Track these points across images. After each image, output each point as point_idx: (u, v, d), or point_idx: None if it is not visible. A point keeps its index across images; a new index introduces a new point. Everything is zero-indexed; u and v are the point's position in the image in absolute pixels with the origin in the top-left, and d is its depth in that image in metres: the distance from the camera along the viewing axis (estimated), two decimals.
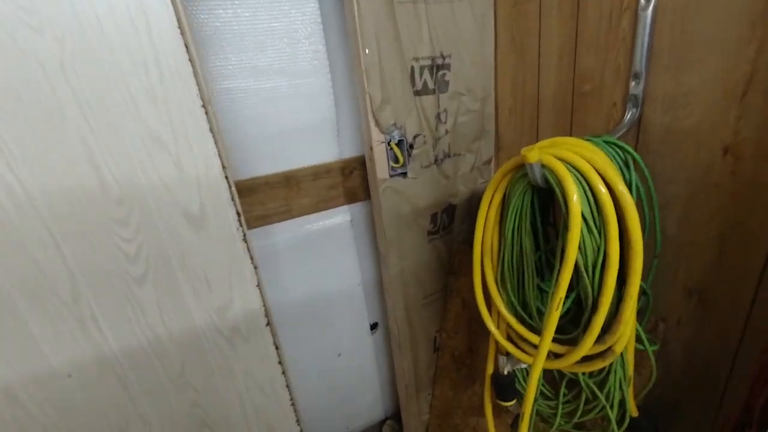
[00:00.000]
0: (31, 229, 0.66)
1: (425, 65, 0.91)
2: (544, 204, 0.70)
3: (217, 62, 0.86)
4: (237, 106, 0.91)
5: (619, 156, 0.64)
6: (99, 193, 0.69)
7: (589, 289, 0.59)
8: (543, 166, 0.59)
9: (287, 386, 0.98)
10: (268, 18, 0.87)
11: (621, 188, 0.55)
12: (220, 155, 0.75)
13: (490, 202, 0.71)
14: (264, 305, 0.88)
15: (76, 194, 0.67)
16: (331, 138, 1.03)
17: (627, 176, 0.63)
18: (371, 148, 0.91)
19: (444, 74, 0.94)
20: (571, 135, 0.81)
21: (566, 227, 0.56)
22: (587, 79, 0.74)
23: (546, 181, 0.60)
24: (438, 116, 0.97)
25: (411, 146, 0.93)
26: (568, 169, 0.56)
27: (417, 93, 0.92)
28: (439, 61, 0.92)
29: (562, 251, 0.58)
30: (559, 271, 0.58)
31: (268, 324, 0.91)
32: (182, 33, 0.66)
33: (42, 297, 0.69)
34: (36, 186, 0.64)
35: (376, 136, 0.89)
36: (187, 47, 0.67)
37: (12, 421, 0.72)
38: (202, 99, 0.71)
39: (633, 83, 0.66)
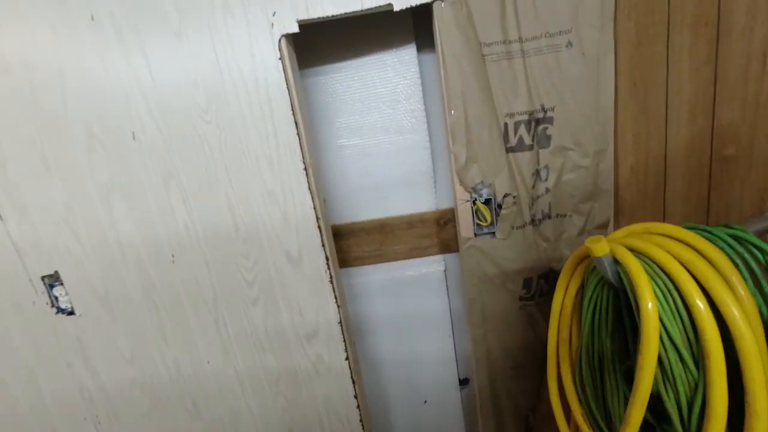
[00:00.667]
0: (195, 253, 0.92)
1: (521, 120, 0.84)
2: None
3: (331, 124, 1.01)
4: (345, 160, 1.05)
5: (758, 259, 0.46)
6: (233, 232, 0.91)
7: None
8: (616, 261, 0.48)
9: (361, 421, 1.04)
10: (374, 85, 0.98)
11: (731, 311, 0.40)
12: (315, 208, 0.89)
13: (566, 290, 0.61)
14: (344, 340, 0.97)
15: (220, 231, 0.91)
16: (427, 190, 1.07)
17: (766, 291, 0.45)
18: (456, 206, 0.89)
19: (545, 128, 0.85)
20: (708, 209, 0.62)
21: (638, 346, 0.44)
22: (730, 139, 0.56)
23: (621, 279, 0.48)
24: (537, 173, 0.88)
25: (499, 206, 0.87)
26: (645, 268, 0.44)
27: (511, 150, 0.86)
28: (539, 115, 0.84)
29: (635, 373, 0.45)
30: (627, 401, 0.45)
31: (347, 359, 0.99)
32: (294, 114, 0.83)
33: (197, 301, 0.95)
34: (199, 222, 0.90)
35: (461, 194, 0.88)
36: (296, 124, 0.84)
37: (169, 385, 1.00)
38: (305, 163, 0.86)
39: None
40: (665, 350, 0.43)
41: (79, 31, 0.74)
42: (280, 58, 0.79)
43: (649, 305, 0.43)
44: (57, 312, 0.93)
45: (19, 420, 1.00)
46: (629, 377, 0.58)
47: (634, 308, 0.45)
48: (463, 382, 1.24)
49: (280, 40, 0.78)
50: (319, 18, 0.77)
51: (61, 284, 0.91)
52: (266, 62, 0.79)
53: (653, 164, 0.72)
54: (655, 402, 0.48)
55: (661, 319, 0.42)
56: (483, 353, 0.99)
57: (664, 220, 0.71)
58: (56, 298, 0.92)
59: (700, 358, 0.42)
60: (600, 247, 0.48)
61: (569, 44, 0.79)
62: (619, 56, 0.77)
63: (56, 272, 0.90)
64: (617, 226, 0.88)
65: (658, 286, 0.44)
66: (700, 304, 0.41)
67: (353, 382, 1.01)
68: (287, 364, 1.00)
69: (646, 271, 0.44)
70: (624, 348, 0.57)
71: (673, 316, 0.43)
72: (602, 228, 0.90)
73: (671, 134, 0.66)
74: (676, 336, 0.43)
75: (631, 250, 0.47)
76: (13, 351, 0.95)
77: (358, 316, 1.16)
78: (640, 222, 0.68)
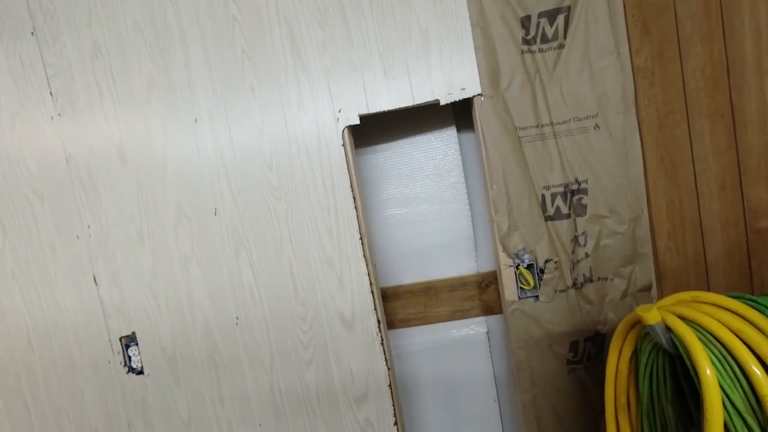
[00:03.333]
0: (258, 316, 0.99)
1: (557, 192, 0.93)
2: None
3: (380, 196, 1.13)
4: (392, 228, 1.14)
5: None
6: (293, 295, 0.99)
7: None
8: (668, 328, 0.52)
9: None
10: (419, 162, 1.11)
11: None
12: (369, 274, 0.96)
13: (619, 354, 0.64)
14: (393, 404, 0.99)
15: (281, 294, 0.99)
16: (468, 254, 1.13)
17: None
18: (500, 271, 0.95)
19: (581, 198, 0.93)
20: (751, 276, 0.66)
21: (702, 413, 0.47)
22: (762, 214, 0.62)
23: (675, 346, 0.52)
24: (575, 239, 0.94)
25: (541, 270, 0.93)
26: (698, 336, 0.48)
27: (549, 218, 0.93)
28: (574, 187, 0.92)
29: None
30: None
31: (396, 423, 1.00)
32: (352, 189, 0.94)
33: (254, 362, 1.00)
34: (263, 286, 0.98)
35: (504, 260, 0.94)
36: (354, 199, 0.95)
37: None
38: (360, 233, 0.96)
39: None
40: (730, 417, 0.46)
41: (183, 128, 0.90)
42: (342, 145, 0.92)
43: (708, 371, 0.46)
44: (128, 371, 1.00)
45: None
46: None
47: (693, 375, 0.49)
48: None
49: (343, 131, 0.92)
50: (377, 112, 0.91)
51: (136, 344, 0.99)
52: (331, 148, 0.92)
53: (690, 232, 0.78)
54: None
55: (721, 386, 0.45)
56: (533, 420, 0.98)
57: (708, 285, 0.75)
58: (130, 357, 1.00)
59: (765, 424, 0.44)
60: (652, 315, 0.52)
61: (596, 126, 0.89)
62: (644, 136, 0.86)
63: (133, 333, 0.99)
64: (661, 289, 0.91)
65: (714, 354, 0.48)
66: (757, 371, 0.45)
67: None
68: (337, 428, 1.01)
69: (700, 339, 0.49)
70: (687, 415, 0.59)
71: (733, 383, 0.46)
72: (645, 291, 0.93)
73: (704, 206, 0.72)
74: (738, 402, 0.46)
75: (682, 318, 0.52)
76: (84, 410, 1.01)
77: (403, 377, 1.17)
78: (684, 287, 0.73)
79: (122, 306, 0.97)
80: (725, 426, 0.44)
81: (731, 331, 0.48)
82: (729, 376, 0.47)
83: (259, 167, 0.93)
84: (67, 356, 0.99)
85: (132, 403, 1.01)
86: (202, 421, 1.01)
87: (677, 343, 0.51)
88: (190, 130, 0.91)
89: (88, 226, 0.93)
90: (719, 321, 0.49)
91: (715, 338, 0.48)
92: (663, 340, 0.52)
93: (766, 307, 0.51)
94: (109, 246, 0.94)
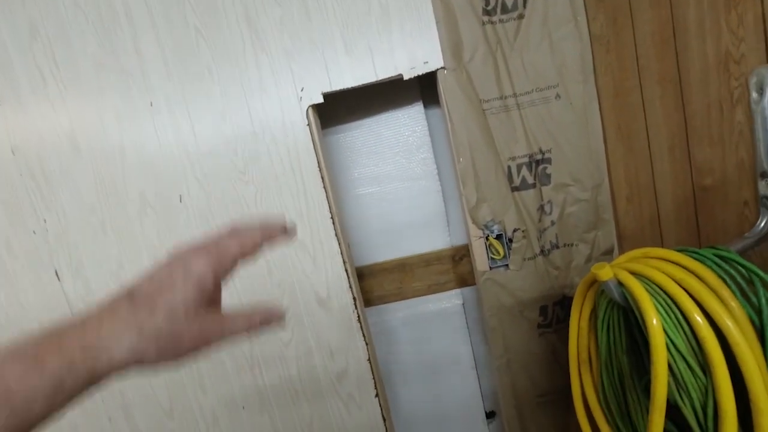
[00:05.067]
0: (232, 302, 0.98)
1: (523, 162, 0.95)
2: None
3: (351, 175, 1.12)
4: (363, 207, 1.14)
5: (742, 274, 0.53)
6: (267, 278, 0.99)
7: None
8: (620, 283, 0.55)
9: None
10: (387, 138, 1.10)
11: (726, 322, 0.47)
12: (342, 254, 0.97)
13: (580, 313, 0.67)
14: (374, 377, 1.01)
15: (256, 279, 0.98)
16: (441, 229, 1.15)
17: (755, 302, 0.52)
18: (470, 243, 0.98)
19: (545, 167, 0.95)
20: (698, 232, 0.70)
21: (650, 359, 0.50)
22: (706, 172, 0.65)
23: (627, 300, 0.55)
24: (542, 208, 0.96)
25: (510, 240, 0.96)
26: (646, 288, 0.52)
27: (516, 188, 0.96)
28: (538, 157, 0.95)
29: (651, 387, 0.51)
30: (648, 410, 0.51)
31: (377, 396, 1.02)
32: (320, 171, 0.94)
33: (233, 346, 1.00)
34: (236, 274, 0.97)
35: (474, 232, 0.96)
36: (323, 179, 0.94)
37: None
38: (331, 213, 0.95)
39: (762, 182, 0.56)
40: (674, 360, 0.49)
41: (139, 114, 0.87)
42: (307, 125, 0.91)
43: (654, 321, 0.49)
44: None
45: None
46: (649, 390, 0.63)
47: (641, 325, 0.52)
48: (490, 415, 1.25)
49: (307, 110, 0.90)
50: (340, 89, 0.90)
51: None
52: (296, 128, 0.91)
53: (645, 195, 0.81)
54: (675, 413, 0.53)
55: (666, 332, 0.49)
56: (508, 383, 1.02)
57: (662, 244, 0.79)
58: None
59: (705, 366, 0.48)
60: (605, 272, 0.55)
61: (558, 96, 0.91)
62: (603, 105, 0.89)
63: None
64: (622, 251, 0.96)
65: (660, 303, 0.51)
66: (698, 318, 0.48)
67: (384, 419, 1.04)
68: (319, 405, 1.03)
69: (648, 291, 0.52)
70: (641, 363, 0.63)
71: (676, 329, 0.50)
72: (608, 254, 0.97)
73: (656, 169, 0.76)
74: (681, 346, 0.49)
75: (633, 273, 0.55)
76: None
77: (383, 352, 1.20)
78: (641, 246, 0.76)
79: (88, 298, 0.94)
80: (669, 367, 0.48)
81: (675, 281, 0.51)
82: (673, 323, 0.50)
83: (224, 152, 0.91)
84: None
85: (110, 397, 1.00)
86: (184, 410, 1.01)
87: (628, 296, 0.54)
88: (147, 115, 0.87)
89: (44, 220, 0.89)
90: (665, 273, 0.52)
91: (661, 289, 0.51)
92: (616, 294, 0.55)
93: (707, 258, 0.54)
94: (69, 238, 0.91)
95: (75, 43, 0.84)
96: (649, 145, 0.75)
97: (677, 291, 0.50)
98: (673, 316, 0.50)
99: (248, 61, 0.88)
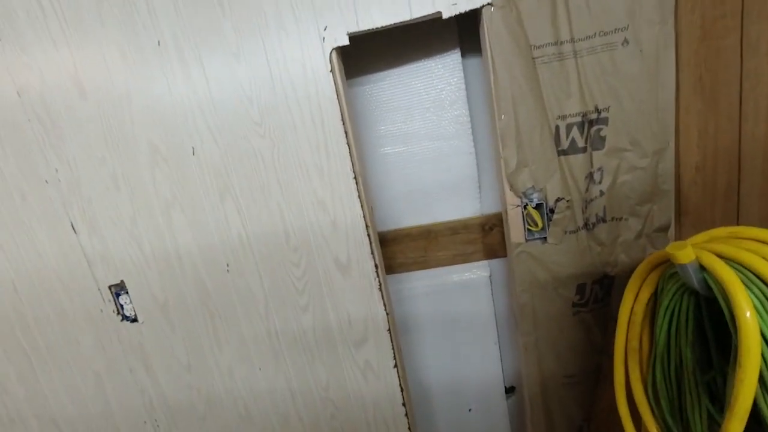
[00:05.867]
0: (248, 262, 0.94)
1: (574, 122, 0.82)
2: (720, 309, 0.53)
3: (376, 132, 1.02)
4: (390, 167, 1.05)
5: None
6: (284, 240, 0.93)
7: None
8: (702, 268, 0.46)
9: (409, 428, 1.03)
10: (418, 92, 0.99)
11: None
12: (364, 217, 0.90)
13: (636, 296, 0.58)
14: (393, 347, 0.97)
15: (272, 240, 0.93)
16: (472, 195, 1.06)
17: None
18: (506, 212, 0.88)
19: (600, 129, 0.83)
20: None
21: (736, 360, 0.42)
22: None
23: (708, 287, 0.46)
24: (590, 176, 0.85)
25: (551, 210, 0.85)
26: (738, 273, 0.42)
27: (563, 152, 0.84)
28: (593, 116, 0.82)
29: (732, 392, 0.43)
30: (710, 414, 0.43)
31: (395, 366, 0.99)
32: (344, 124, 0.84)
33: (249, 309, 0.98)
34: (252, 232, 0.92)
35: (511, 199, 0.87)
36: (346, 134, 0.85)
37: (223, 390, 1.03)
38: (354, 172, 0.87)
39: None
40: (765, 363, 0.41)
41: (146, 54, 0.78)
42: (330, 71, 0.80)
43: (747, 314, 0.40)
44: (122, 319, 0.98)
45: (88, 421, 1.06)
46: (711, 390, 0.55)
47: (728, 318, 0.43)
48: (509, 390, 1.21)
49: (330, 53, 0.79)
50: (369, 29, 0.78)
51: (126, 293, 0.96)
52: (317, 75, 0.81)
53: (724, 162, 0.69)
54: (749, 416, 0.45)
55: (762, 333, 0.40)
56: (534, 361, 0.96)
57: (737, 221, 0.67)
58: (122, 306, 0.97)
59: None
60: (685, 254, 0.46)
61: (625, 42, 0.76)
62: (681, 51, 0.74)
63: (122, 281, 0.95)
64: (679, 229, 0.84)
65: (755, 295, 0.41)
66: None
67: (401, 390, 1.01)
68: (336, 371, 1.01)
69: (740, 279, 0.42)
70: (706, 359, 0.54)
71: None
72: (662, 231, 0.86)
73: (746, 130, 0.63)
74: None
75: (720, 256, 0.45)
76: (83, 356, 1.01)
77: (403, 321, 1.16)
78: (707, 225, 0.65)
79: (106, 254, 0.92)
80: (760, 375, 0.39)
81: None
82: None
83: (238, 100, 0.83)
84: (58, 305, 0.97)
85: (130, 349, 1.00)
86: (201, 366, 1.01)
87: (712, 283, 0.44)
88: (154, 56, 0.79)
89: (56, 170, 0.85)
90: (765, 258, 0.42)
91: (758, 277, 0.42)
92: (694, 280, 0.46)
93: None
94: (82, 191, 0.87)
95: None
96: (740, 101, 0.62)
97: None
98: (766, 306, 0.41)
99: None
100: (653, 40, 0.75)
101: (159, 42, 0.78)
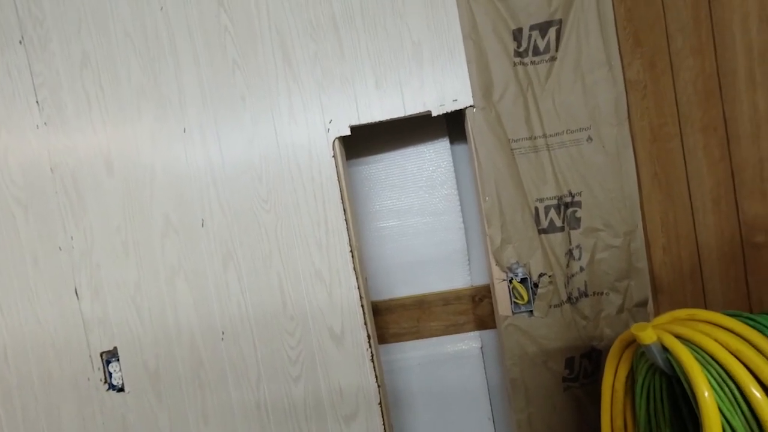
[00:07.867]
0: (244, 330, 0.96)
1: (551, 204, 0.91)
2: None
3: (372, 207, 1.11)
4: (384, 240, 1.12)
5: None
6: (281, 309, 0.96)
7: None
8: (665, 348, 0.50)
9: None
10: (411, 172, 1.09)
11: None
12: (359, 288, 0.94)
13: (615, 374, 0.62)
14: (384, 423, 0.95)
15: (269, 308, 0.96)
16: (462, 267, 1.11)
17: None
18: (493, 285, 0.93)
19: (575, 211, 0.92)
20: (748, 293, 0.64)
21: None
22: (758, 229, 0.60)
23: (672, 367, 0.50)
24: (570, 253, 0.92)
25: (535, 285, 0.91)
26: (695, 356, 0.46)
27: (543, 231, 0.92)
28: (568, 200, 0.91)
29: None
30: None
31: None
32: (342, 201, 0.93)
33: (240, 379, 0.97)
34: (250, 300, 0.96)
35: (497, 274, 0.92)
36: (345, 212, 0.93)
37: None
38: (351, 246, 0.93)
39: None
40: None
41: (173, 139, 0.89)
42: (333, 156, 0.91)
43: (706, 394, 0.44)
44: (108, 389, 0.96)
45: None
46: None
47: (690, 397, 0.47)
48: None
49: (334, 142, 0.91)
50: (368, 123, 0.90)
51: (117, 360, 0.96)
52: (321, 160, 0.91)
53: (685, 247, 0.76)
54: None
55: (720, 410, 0.43)
56: None
57: (705, 302, 0.73)
58: (110, 374, 0.96)
59: None
60: (647, 334, 0.50)
61: (590, 139, 0.89)
62: (638, 150, 0.85)
63: (115, 348, 0.95)
64: (657, 305, 0.89)
65: (712, 375, 0.45)
66: (757, 394, 0.43)
67: None
68: None
69: (697, 360, 0.47)
70: None
71: (732, 407, 0.44)
72: (642, 306, 0.91)
73: (698, 220, 0.71)
74: (738, 427, 0.44)
75: (678, 337, 0.50)
76: (59, 426, 0.97)
77: (395, 393, 1.14)
78: (680, 303, 0.70)
79: (104, 320, 0.94)
80: None
81: (729, 351, 0.46)
82: (728, 399, 0.44)
83: (249, 178, 0.92)
84: (45, 372, 0.96)
85: (111, 422, 0.97)
86: None
87: (674, 363, 0.49)
88: (179, 140, 0.89)
89: (72, 237, 0.91)
90: (717, 341, 0.47)
91: (713, 359, 0.46)
92: (659, 360, 0.50)
93: (765, 326, 0.49)
94: (93, 258, 0.92)
95: (120, 70, 0.88)
96: (690, 195, 0.71)
97: (732, 362, 0.45)
98: (728, 391, 0.45)
99: (280, 91, 0.90)
100: (613, 139, 0.87)
101: (185, 129, 0.89)
